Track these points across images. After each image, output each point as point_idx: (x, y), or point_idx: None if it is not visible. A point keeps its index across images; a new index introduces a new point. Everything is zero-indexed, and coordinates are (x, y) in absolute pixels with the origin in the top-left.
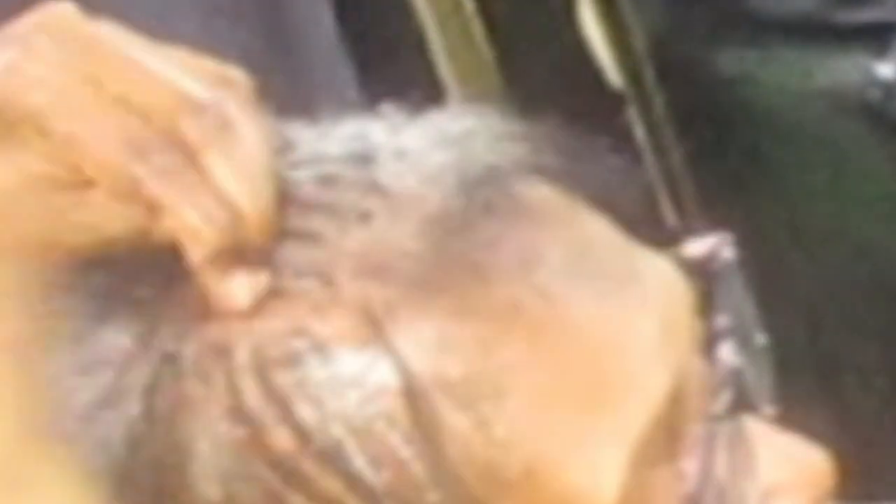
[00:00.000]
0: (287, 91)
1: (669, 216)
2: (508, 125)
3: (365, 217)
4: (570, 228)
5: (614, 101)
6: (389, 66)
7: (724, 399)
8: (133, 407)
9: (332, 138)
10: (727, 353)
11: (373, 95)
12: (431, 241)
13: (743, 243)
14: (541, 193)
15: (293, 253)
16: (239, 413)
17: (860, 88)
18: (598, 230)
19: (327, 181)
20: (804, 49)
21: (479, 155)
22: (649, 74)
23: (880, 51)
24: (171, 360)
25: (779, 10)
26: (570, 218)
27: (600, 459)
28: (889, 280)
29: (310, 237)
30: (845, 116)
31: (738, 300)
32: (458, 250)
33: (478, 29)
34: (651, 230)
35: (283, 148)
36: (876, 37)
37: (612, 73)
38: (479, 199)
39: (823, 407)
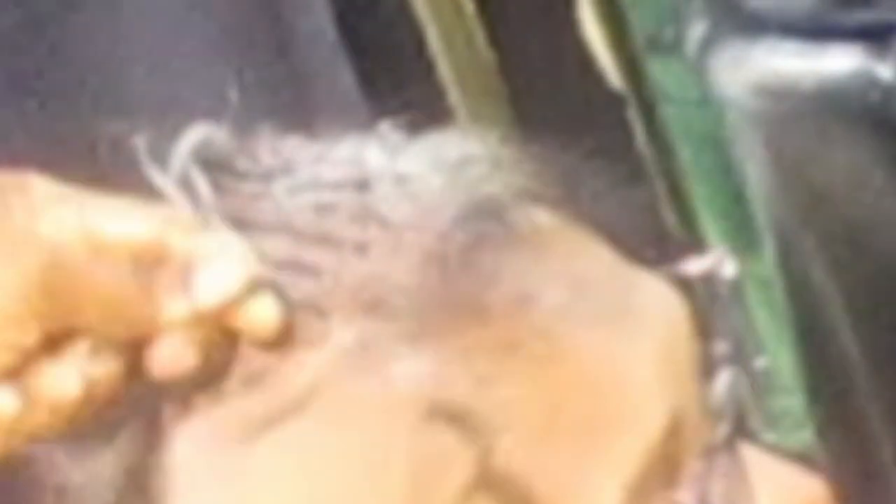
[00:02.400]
0: (288, 97)
1: (670, 217)
2: (507, 151)
3: (362, 249)
4: (568, 259)
5: (614, 103)
6: (389, 68)
7: (723, 429)
8: None
9: (330, 161)
10: (726, 380)
11: (373, 98)
12: (429, 277)
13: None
14: (539, 222)
15: (290, 285)
16: None
17: (859, 90)
18: (597, 258)
19: (325, 210)
20: (803, 49)
21: (477, 183)
22: (649, 76)
23: (880, 52)
24: None
25: (778, 10)
26: (568, 247)
27: (597, 495)
28: (891, 283)
29: (307, 269)
30: (843, 118)
31: (738, 321)
32: (455, 287)
33: (478, 30)
34: (652, 244)
35: (281, 170)
36: (876, 38)
37: (612, 74)
38: (478, 231)
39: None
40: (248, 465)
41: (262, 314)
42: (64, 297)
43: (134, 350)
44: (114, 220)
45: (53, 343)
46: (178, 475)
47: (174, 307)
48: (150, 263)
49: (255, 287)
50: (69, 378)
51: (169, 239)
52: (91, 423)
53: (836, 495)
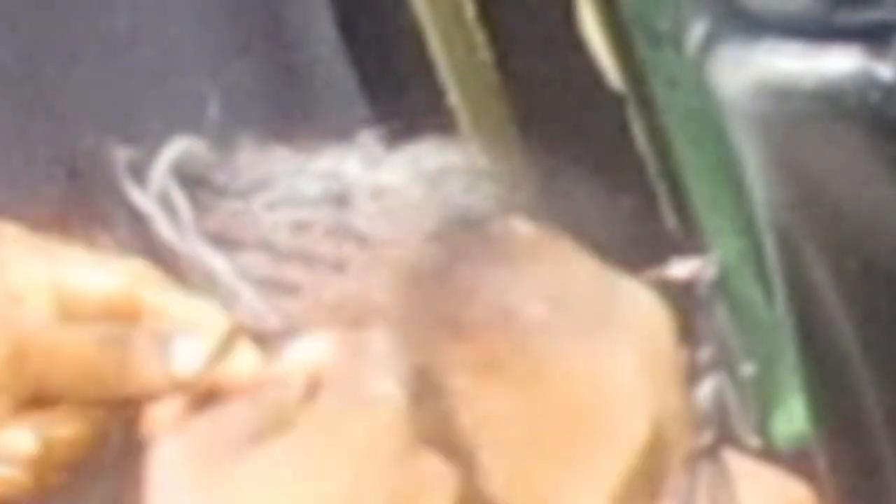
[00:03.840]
0: (288, 99)
1: (670, 218)
2: (485, 161)
3: (340, 267)
4: (549, 271)
5: (615, 103)
6: (389, 70)
7: (707, 437)
8: None
9: (309, 174)
10: (711, 387)
11: (373, 99)
12: (407, 293)
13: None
14: (519, 233)
15: (269, 303)
16: None
17: (860, 90)
18: (579, 268)
19: (302, 227)
20: (804, 49)
21: (456, 195)
22: (649, 76)
23: (880, 52)
24: None
25: (778, 10)
26: (549, 259)
27: None
28: (892, 282)
29: (286, 288)
30: (844, 119)
31: (721, 326)
32: (434, 303)
33: (478, 31)
34: (635, 250)
35: (259, 185)
36: (876, 38)
37: (613, 74)
38: (456, 245)
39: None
40: (231, 483)
41: (240, 368)
42: (34, 369)
43: (109, 409)
44: (84, 272)
45: (24, 407)
46: (160, 492)
47: (150, 375)
48: (121, 322)
49: (229, 346)
50: (25, 440)
51: (139, 294)
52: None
53: (836, 496)
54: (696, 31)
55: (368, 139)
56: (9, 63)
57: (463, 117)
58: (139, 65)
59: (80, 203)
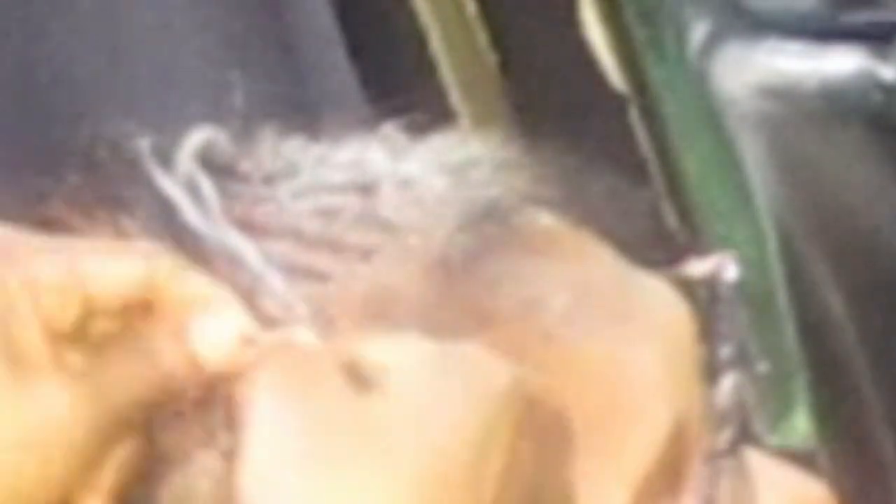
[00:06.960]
0: (289, 98)
1: (672, 220)
2: (510, 153)
3: (367, 255)
4: (572, 263)
5: (617, 104)
6: (391, 70)
7: (728, 434)
8: None
9: (333, 164)
10: (731, 384)
11: (375, 99)
12: (434, 283)
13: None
14: (543, 225)
15: (297, 292)
16: None
17: (862, 90)
18: (601, 262)
19: (329, 214)
20: (806, 50)
21: (481, 186)
22: (652, 77)
23: (882, 53)
24: None
25: (779, 10)
26: (572, 251)
27: (603, 500)
28: (893, 282)
29: (313, 275)
30: (846, 119)
31: (740, 324)
32: (460, 293)
33: (480, 31)
34: (654, 247)
35: (284, 173)
36: (878, 38)
37: (615, 75)
38: (482, 235)
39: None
40: None
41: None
42: None
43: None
44: (102, 265)
45: None
46: None
47: (175, 361)
48: (142, 309)
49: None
50: None
51: (158, 280)
52: None
53: (837, 496)
54: (699, 31)
55: (391, 130)
56: (32, 51)
57: (465, 117)
58: (145, 63)
59: (106, 190)
